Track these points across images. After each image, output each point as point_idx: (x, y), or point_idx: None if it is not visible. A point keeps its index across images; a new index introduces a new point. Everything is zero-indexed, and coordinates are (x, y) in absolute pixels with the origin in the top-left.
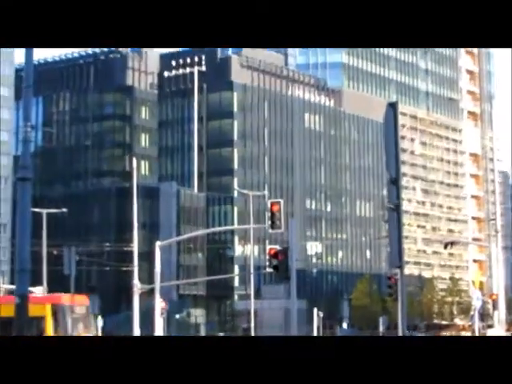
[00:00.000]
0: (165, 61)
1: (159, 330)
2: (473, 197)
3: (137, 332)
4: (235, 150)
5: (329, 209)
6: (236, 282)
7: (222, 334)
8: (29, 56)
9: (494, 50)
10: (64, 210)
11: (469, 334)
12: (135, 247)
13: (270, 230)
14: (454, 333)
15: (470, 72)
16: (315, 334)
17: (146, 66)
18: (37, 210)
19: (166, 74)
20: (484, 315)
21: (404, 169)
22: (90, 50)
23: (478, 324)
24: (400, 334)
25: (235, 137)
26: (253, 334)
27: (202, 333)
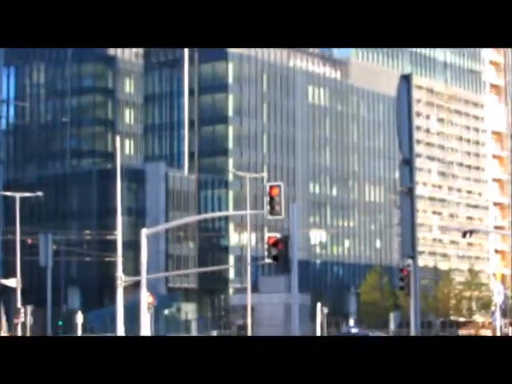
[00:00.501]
0: None
1: (146, 327)
2: (495, 180)
3: (121, 329)
4: (230, 128)
5: (334, 193)
6: (231, 274)
7: (215, 332)
8: None
9: None
10: (39, 193)
11: (489, 332)
12: (119, 235)
13: (269, 217)
14: (472, 331)
15: None
16: (319, 331)
17: None
18: (9, 193)
19: None
20: (506, 311)
21: (419, 149)
22: None
23: (499, 321)
24: (413, 331)
25: (230, 113)
26: (249, 331)
27: (193, 330)
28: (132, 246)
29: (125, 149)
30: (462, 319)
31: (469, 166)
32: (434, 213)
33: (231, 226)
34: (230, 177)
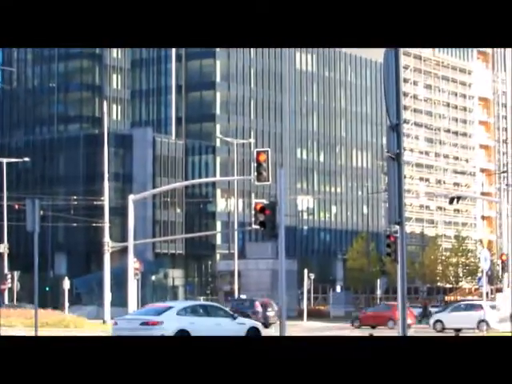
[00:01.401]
0: None
1: (133, 293)
2: (482, 146)
3: (108, 295)
4: (217, 93)
5: (322, 159)
6: (218, 240)
7: (201, 298)
8: None
9: None
10: (26, 159)
11: (476, 298)
12: (106, 201)
13: (256, 183)
14: (459, 297)
15: None
16: (305, 297)
17: None
18: None
19: None
20: (493, 278)
21: (406, 115)
22: None
23: (486, 287)
24: (399, 297)
25: (218, 78)
26: (236, 296)
27: (180, 296)
28: (119, 212)
29: (112, 114)
30: (448, 285)
31: (456, 133)
32: (421, 179)
33: (218, 192)
34: (218, 143)
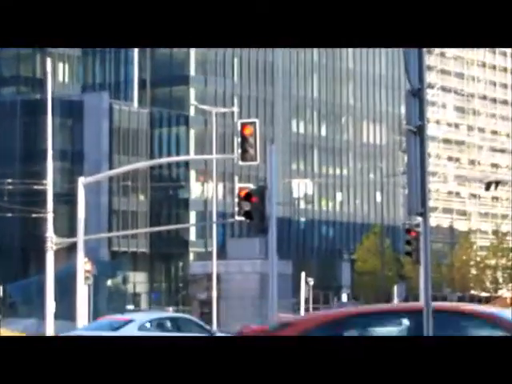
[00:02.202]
0: None
1: (83, 302)
2: None
3: (50, 305)
4: (192, 49)
5: (324, 133)
6: (192, 236)
7: (170, 308)
8: None
9: None
10: None
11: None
12: (49, 185)
13: (241, 163)
14: (498, 308)
15: None
16: (303, 308)
17: None
18: None
19: None
20: None
21: (431, 77)
22: None
23: None
24: (424, 308)
25: None
26: (214, 307)
27: (144, 306)
28: (66, 200)
29: (57, 75)
30: (484, 294)
31: (494, 100)
32: (450, 158)
33: (192, 175)
34: (192, 112)
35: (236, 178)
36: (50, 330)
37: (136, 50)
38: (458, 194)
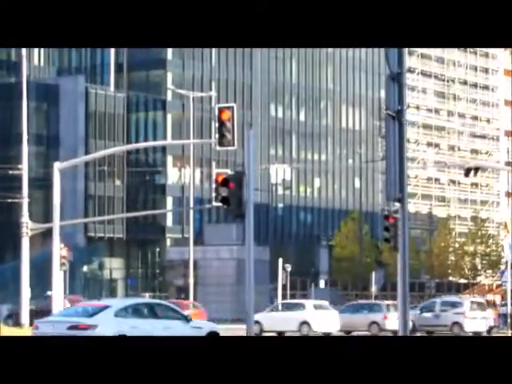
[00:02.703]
0: None
1: (58, 288)
2: (508, 103)
3: (26, 291)
4: None
5: (302, 118)
6: (169, 221)
7: (147, 294)
8: None
9: None
10: None
11: (498, 296)
12: (25, 170)
13: (218, 148)
14: (476, 295)
15: None
16: (280, 294)
17: None
18: None
19: None
20: None
21: (411, 62)
22: None
23: (511, 282)
24: (400, 295)
25: None
26: (191, 293)
27: (120, 292)
28: (41, 185)
29: (33, 58)
30: (463, 280)
31: (475, 85)
32: (430, 144)
33: (169, 160)
34: (169, 96)
35: (213, 164)
36: (25, 316)
37: None
38: (437, 180)
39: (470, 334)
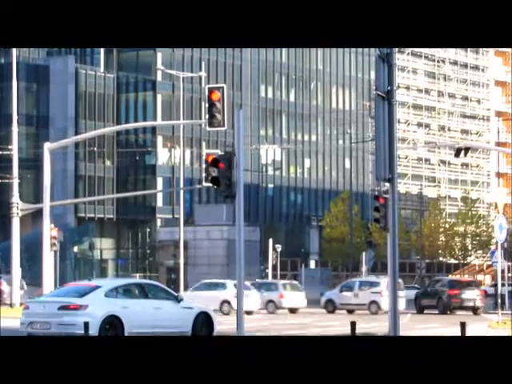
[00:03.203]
0: None
1: (49, 269)
2: (499, 83)
3: (16, 272)
4: None
5: (292, 99)
6: (159, 202)
7: (137, 275)
8: None
9: None
10: None
11: (488, 277)
12: (15, 151)
13: (208, 128)
14: (467, 275)
15: None
16: (270, 275)
17: None
18: None
19: None
20: (510, 251)
21: None
22: None
23: (501, 263)
24: (389, 275)
25: None
26: (181, 273)
27: (110, 272)
28: (31, 165)
29: None
30: (453, 261)
31: (465, 65)
32: (420, 125)
33: (159, 140)
34: (159, 76)
35: (203, 144)
36: (16, 296)
37: None
38: (427, 160)
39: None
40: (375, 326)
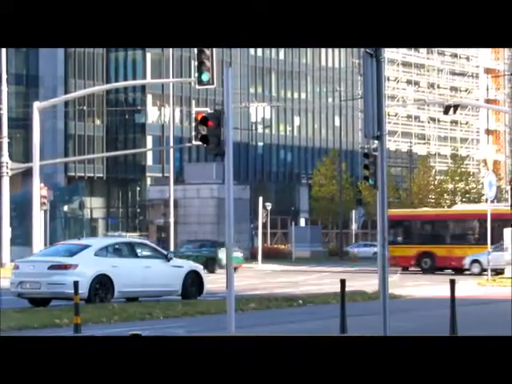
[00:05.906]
0: None
1: (39, 228)
2: None
3: (6, 231)
4: None
5: (282, 56)
6: (149, 161)
7: (127, 234)
8: None
9: None
10: None
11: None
12: (4, 110)
13: (198, 86)
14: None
15: None
16: (260, 233)
17: None
18: None
19: None
20: None
21: None
22: None
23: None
24: (379, 234)
25: None
26: (171, 231)
27: (100, 231)
28: (21, 124)
29: None
30: None
31: None
32: (409, 82)
33: (149, 99)
34: None
35: (193, 103)
36: (5, 256)
37: None
38: (417, 117)
39: None
40: (367, 283)
